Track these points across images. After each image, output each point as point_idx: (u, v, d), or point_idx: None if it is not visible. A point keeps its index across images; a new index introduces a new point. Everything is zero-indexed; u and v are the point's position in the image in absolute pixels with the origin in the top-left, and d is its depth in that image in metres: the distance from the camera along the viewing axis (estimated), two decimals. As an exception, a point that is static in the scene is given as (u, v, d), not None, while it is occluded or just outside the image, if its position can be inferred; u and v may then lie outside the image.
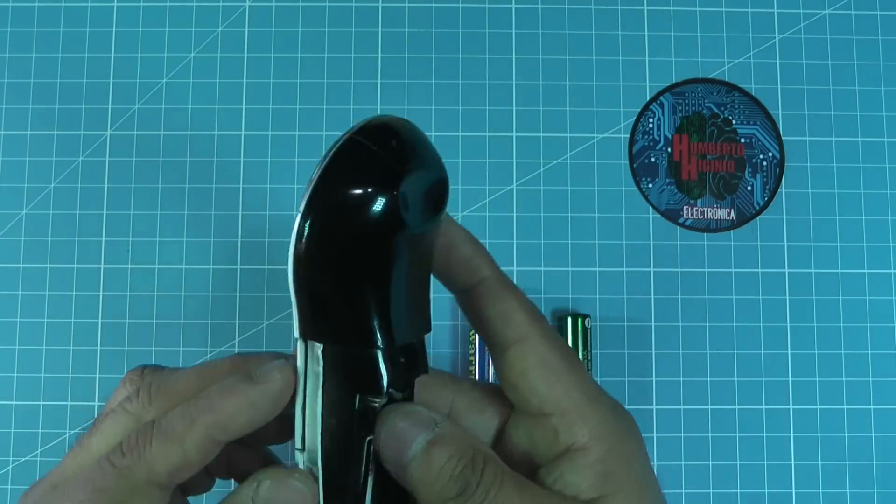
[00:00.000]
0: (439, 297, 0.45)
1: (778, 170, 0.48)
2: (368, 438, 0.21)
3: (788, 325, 0.46)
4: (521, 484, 0.20)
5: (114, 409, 0.22)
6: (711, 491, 0.45)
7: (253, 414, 0.20)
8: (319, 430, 0.20)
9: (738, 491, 0.45)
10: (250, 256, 0.46)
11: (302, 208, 0.19)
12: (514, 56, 0.48)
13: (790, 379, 0.46)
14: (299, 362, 0.21)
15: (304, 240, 0.19)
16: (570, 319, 0.44)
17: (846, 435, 0.45)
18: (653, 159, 0.48)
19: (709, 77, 0.48)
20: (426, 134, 0.21)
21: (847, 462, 0.45)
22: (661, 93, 0.48)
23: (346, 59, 0.48)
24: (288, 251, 0.20)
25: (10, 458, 0.44)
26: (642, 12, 0.48)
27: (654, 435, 0.45)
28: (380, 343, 0.20)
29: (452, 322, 0.46)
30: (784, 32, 0.48)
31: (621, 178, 0.47)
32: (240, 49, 0.48)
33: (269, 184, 0.47)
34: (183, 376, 0.22)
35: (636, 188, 0.47)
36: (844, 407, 0.46)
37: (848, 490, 0.45)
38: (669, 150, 0.48)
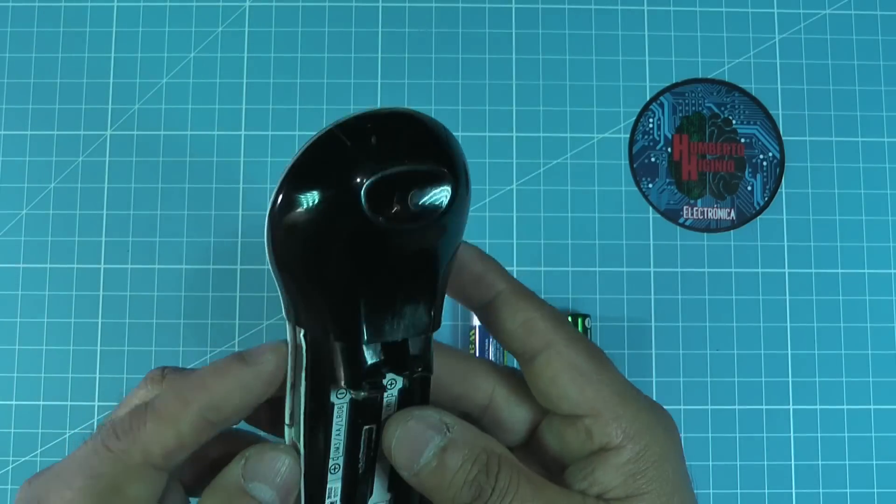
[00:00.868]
0: (439, 297, 0.45)
1: (778, 170, 0.48)
2: (367, 427, 0.21)
3: (788, 325, 0.46)
4: (538, 486, 0.20)
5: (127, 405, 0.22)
6: (711, 491, 0.45)
7: (246, 394, 0.20)
8: (303, 410, 0.21)
9: (738, 491, 0.45)
10: (250, 256, 0.46)
11: (275, 189, 0.19)
12: (514, 56, 0.48)
13: (790, 379, 0.46)
14: (289, 340, 0.21)
15: (271, 228, 0.19)
16: (570, 319, 0.44)
17: (846, 435, 0.45)
18: (653, 159, 0.48)
19: (709, 77, 0.48)
20: (444, 132, 0.20)
21: (847, 462, 0.45)
22: (661, 93, 0.48)
23: (346, 59, 0.48)
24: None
25: (10, 458, 0.44)
26: (642, 12, 0.48)
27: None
28: (342, 337, 0.20)
29: (452, 322, 0.46)
30: (784, 32, 0.48)
31: (621, 178, 0.47)
32: (240, 49, 0.48)
33: (269, 184, 0.47)
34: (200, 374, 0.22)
35: (636, 188, 0.47)
36: (844, 407, 0.46)
37: (848, 490, 0.45)
38: (669, 150, 0.48)
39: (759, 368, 0.46)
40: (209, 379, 0.20)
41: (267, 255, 0.20)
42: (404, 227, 0.19)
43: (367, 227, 0.18)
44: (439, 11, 0.48)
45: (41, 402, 0.45)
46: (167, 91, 0.47)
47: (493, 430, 0.23)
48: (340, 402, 0.21)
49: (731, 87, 0.48)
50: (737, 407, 0.46)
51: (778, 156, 0.48)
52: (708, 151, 0.48)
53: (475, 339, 0.44)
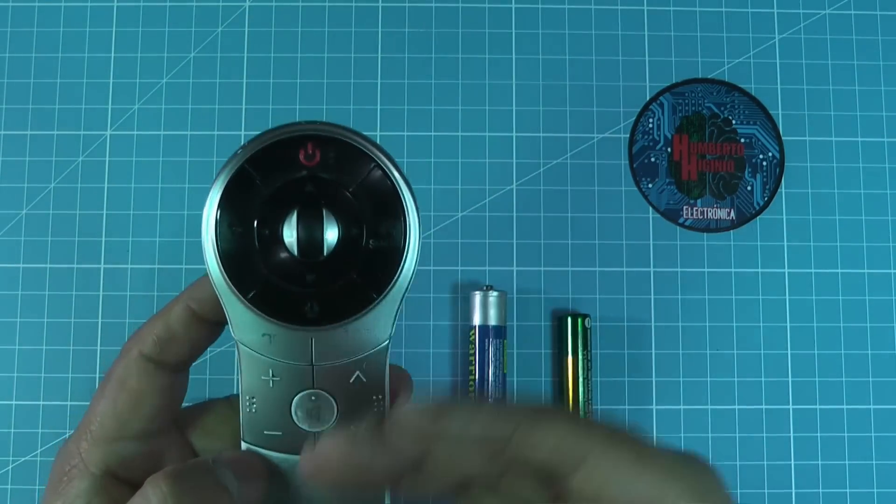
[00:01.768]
0: (439, 296, 0.46)
1: (778, 170, 0.48)
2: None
3: (788, 325, 0.46)
4: None
5: None
6: (711, 491, 0.45)
7: None
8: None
9: (738, 491, 0.45)
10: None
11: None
12: (514, 56, 0.48)
13: (790, 379, 0.46)
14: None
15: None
16: (570, 319, 0.44)
17: (846, 435, 0.45)
18: (653, 159, 0.48)
19: (709, 77, 0.48)
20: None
21: (847, 462, 0.45)
22: (661, 93, 0.48)
23: (346, 59, 0.48)
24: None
25: (10, 458, 0.44)
26: (642, 12, 0.48)
27: (654, 435, 0.45)
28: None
29: (452, 322, 0.46)
30: (784, 32, 0.48)
31: (621, 178, 0.47)
32: (240, 49, 0.48)
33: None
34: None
35: (636, 188, 0.47)
36: (844, 407, 0.46)
37: (848, 490, 0.45)
38: (669, 150, 0.48)
39: (759, 368, 0.46)
40: (198, 282, 0.24)
41: None
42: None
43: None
44: (439, 11, 0.48)
45: (41, 402, 0.45)
46: (167, 91, 0.47)
47: None
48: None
49: (731, 87, 0.48)
50: (737, 407, 0.46)
51: (778, 156, 0.48)
52: (708, 151, 0.48)
53: (475, 339, 0.44)
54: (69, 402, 0.45)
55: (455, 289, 0.45)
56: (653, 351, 0.46)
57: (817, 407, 0.46)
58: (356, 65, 0.48)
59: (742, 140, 0.48)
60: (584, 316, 0.45)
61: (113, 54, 0.48)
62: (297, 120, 0.21)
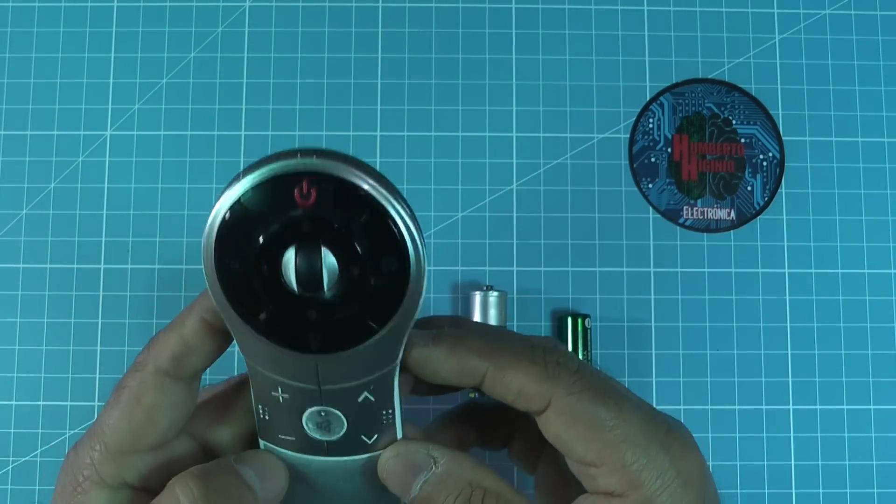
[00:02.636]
0: (439, 296, 0.45)
1: (778, 170, 0.48)
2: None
3: (788, 325, 0.46)
4: None
5: None
6: (711, 491, 0.45)
7: None
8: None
9: (738, 491, 0.45)
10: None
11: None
12: (514, 56, 0.48)
13: (790, 379, 0.46)
14: None
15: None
16: (570, 319, 0.44)
17: (846, 435, 0.45)
18: (653, 159, 0.48)
19: (709, 77, 0.48)
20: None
21: (847, 462, 0.45)
22: (661, 93, 0.48)
23: (346, 59, 0.48)
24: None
25: (10, 458, 0.44)
26: (642, 12, 0.48)
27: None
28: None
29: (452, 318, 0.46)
30: (784, 32, 0.48)
31: (621, 178, 0.47)
32: (240, 49, 0.48)
33: (269, 184, 0.47)
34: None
35: (636, 188, 0.47)
36: (844, 407, 0.46)
37: (848, 490, 0.45)
38: (669, 150, 0.48)
39: (759, 368, 0.46)
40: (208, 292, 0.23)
41: None
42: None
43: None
44: (439, 11, 0.48)
45: (41, 402, 0.45)
46: (167, 91, 0.47)
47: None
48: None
49: (731, 87, 0.48)
50: (737, 407, 0.46)
51: (778, 156, 0.48)
52: (708, 151, 0.48)
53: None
54: (69, 403, 0.45)
55: (455, 289, 0.45)
56: (653, 351, 0.46)
57: (817, 407, 0.46)
58: (356, 65, 0.48)
59: (742, 140, 0.48)
60: (585, 316, 0.45)
61: (113, 54, 0.48)
62: (295, 147, 0.20)
